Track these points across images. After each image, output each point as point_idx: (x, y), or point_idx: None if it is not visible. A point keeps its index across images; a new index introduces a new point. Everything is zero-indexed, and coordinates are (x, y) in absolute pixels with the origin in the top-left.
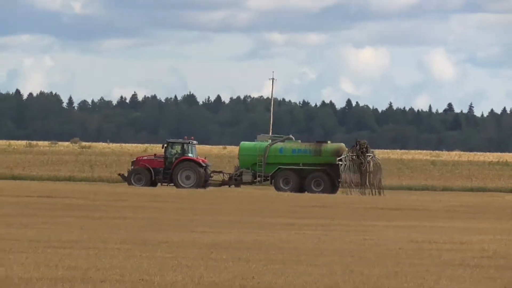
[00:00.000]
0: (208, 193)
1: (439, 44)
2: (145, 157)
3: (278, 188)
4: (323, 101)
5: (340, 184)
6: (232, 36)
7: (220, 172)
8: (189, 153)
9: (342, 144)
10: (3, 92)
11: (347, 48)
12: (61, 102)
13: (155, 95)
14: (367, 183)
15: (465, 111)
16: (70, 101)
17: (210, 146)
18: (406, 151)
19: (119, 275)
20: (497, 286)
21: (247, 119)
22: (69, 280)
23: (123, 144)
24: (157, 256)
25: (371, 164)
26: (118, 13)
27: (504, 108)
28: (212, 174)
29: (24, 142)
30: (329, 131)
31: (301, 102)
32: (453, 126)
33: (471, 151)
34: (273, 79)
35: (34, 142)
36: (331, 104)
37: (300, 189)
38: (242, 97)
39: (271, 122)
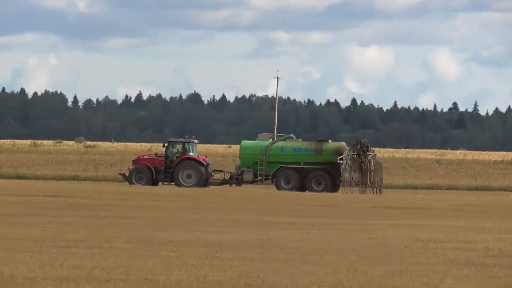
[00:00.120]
0: (211, 192)
1: (444, 43)
2: (146, 156)
3: (279, 187)
4: (328, 100)
5: (341, 183)
6: (237, 35)
7: (221, 171)
8: (190, 152)
9: (343, 143)
10: (8, 91)
11: (352, 47)
12: (66, 101)
13: (160, 94)
14: (368, 182)
15: (470, 110)
16: (75, 100)
17: (215, 145)
18: (411, 150)
19: (124, 274)
20: (502, 285)
21: (252, 118)
22: (74, 279)
23: (128, 143)
24: (162, 255)
25: (372, 163)
26: (123, 12)
27: (509, 106)
28: (213, 173)
29: (28, 141)
30: (334, 130)
31: (306, 101)
32: (458, 125)
33: (476, 150)
34: (278, 78)
35: (39, 141)
36: (336, 103)
37: (301, 188)
38: (247, 96)
39: (276, 121)
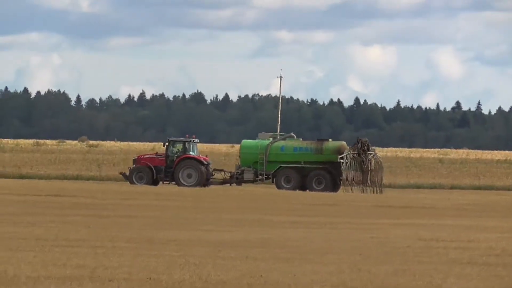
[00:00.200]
0: (212, 192)
1: (447, 42)
2: (147, 156)
3: (279, 187)
4: (331, 99)
5: (341, 182)
6: (240, 34)
7: (221, 170)
8: (190, 151)
9: (343, 142)
10: (11, 90)
11: (355, 46)
12: (69, 100)
13: (163, 93)
14: (369, 181)
15: (473, 109)
16: (78, 99)
17: (218, 144)
18: (414, 149)
19: (127, 273)
20: (504, 284)
21: (255, 117)
22: (77, 279)
23: (131, 143)
24: (164, 254)
25: (372, 162)
26: (126, 11)
27: None
28: (213, 173)
29: (31, 141)
30: (337, 129)
31: (309, 100)
32: (461, 124)
33: (479, 149)
34: (281, 77)
35: (42, 141)
36: (339, 102)
37: (302, 187)
38: (250, 95)
39: (279, 120)
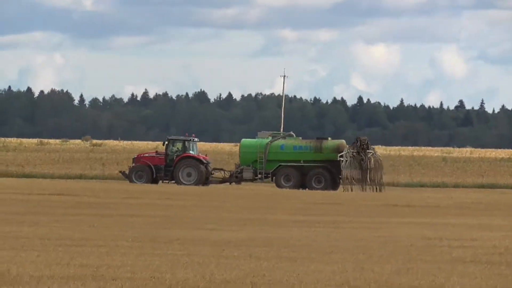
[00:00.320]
0: (216, 191)
1: (451, 41)
2: (146, 155)
3: (279, 185)
4: (335, 98)
5: (341, 181)
6: (244, 33)
7: (221, 169)
8: (190, 150)
9: (343, 141)
10: (14, 90)
11: (358, 44)
12: (72, 99)
13: (166, 92)
14: (368, 180)
15: (477, 107)
16: (81, 98)
17: (222, 143)
18: (418, 147)
19: (130, 272)
20: (508, 282)
21: (259, 116)
22: (80, 278)
23: (135, 142)
24: (168, 253)
25: (372, 160)
26: (129, 10)
27: None
28: (213, 172)
29: (35, 140)
30: (340, 128)
31: (312, 99)
32: (464, 123)
33: (482, 147)
34: (284, 76)
35: (45, 140)
36: (343, 101)
37: (301, 186)
38: (253, 94)
39: (283, 119)
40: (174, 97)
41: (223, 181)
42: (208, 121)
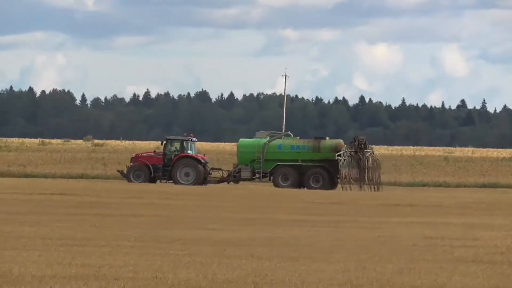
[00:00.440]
0: (217, 191)
1: (452, 40)
2: (144, 154)
3: (277, 185)
4: (336, 98)
5: (339, 180)
6: (245, 33)
7: (219, 169)
8: (188, 150)
9: (341, 140)
10: (16, 89)
11: (360, 44)
12: (74, 99)
13: (168, 92)
14: (366, 179)
15: (478, 107)
16: (83, 98)
17: (223, 143)
18: (419, 147)
19: (132, 272)
20: (510, 282)
21: (260, 116)
22: (82, 278)
23: (136, 142)
24: (170, 253)
25: (370, 160)
26: (131, 10)
27: None
28: (211, 171)
29: (37, 140)
30: (342, 127)
31: (314, 99)
32: (466, 122)
33: (484, 147)
34: (286, 75)
35: (47, 140)
36: (344, 100)
37: (299, 185)
38: (255, 94)
39: (284, 119)
40: (175, 97)
41: (221, 180)
42: (210, 121)
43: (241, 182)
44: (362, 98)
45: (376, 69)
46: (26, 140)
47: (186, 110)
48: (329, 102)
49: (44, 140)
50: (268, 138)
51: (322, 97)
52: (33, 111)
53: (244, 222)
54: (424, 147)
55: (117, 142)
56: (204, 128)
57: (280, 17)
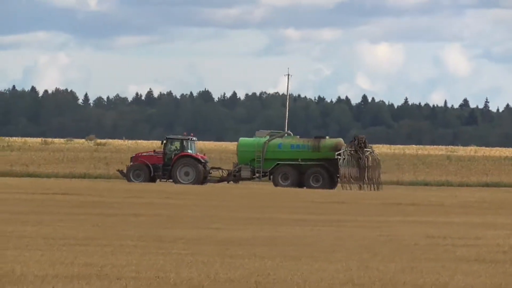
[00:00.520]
0: (218, 190)
1: (455, 39)
2: (144, 153)
3: (276, 184)
4: (339, 97)
5: (339, 179)
6: (248, 32)
7: (218, 168)
8: (188, 149)
9: (340, 139)
10: (19, 89)
11: (362, 44)
12: (76, 99)
13: (170, 91)
14: (366, 178)
15: (481, 106)
16: (86, 98)
17: (226, 142)
18: (422, 146)
19: (135, 272)
20: None
21: (263, 115)
22: (84, 277)
23: (139, 141)
24: (172, 252)
25: (370, 159)
26: (133, 10)
27: None
28: (211, 171)
29: (39, 139)
30: (344, 127)
31: (316, 98)
32: (468, 122)
33: (486, 146)
34: (288, 75)
35: (50, 139)
36: (347, 100)
37: (299, 184)
38: (257, 93)
39: (287, 118)
40: (178, 97)
41: (221, 180)
42: (212, 121)
43: (241, 182)
44: (364, 98)
45: (378, 69)
46: (29, 139)
47: (189, 109)
48: (331, 101)
49: (47, 139)
50: (268, 137)
51: (324, 97)
52: (35, 110)
53: (246, 222)
54: (427, 146)
55: (120, 141)
56: (207, 128)
57: (282, 17)
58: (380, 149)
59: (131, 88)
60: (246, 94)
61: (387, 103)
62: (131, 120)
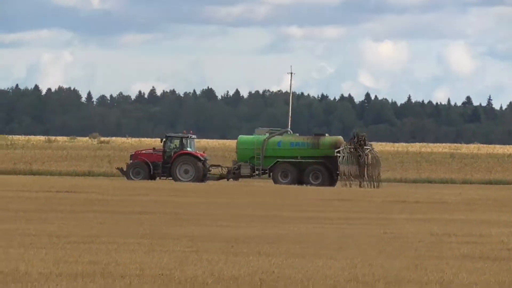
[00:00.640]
0: (222, 188)
1: (458, 37)
2: (144, 151)
3: (276, 181)
4: (342, 95)
5: (338, 177)
6: (251, 30)
7: (218, 166)
8: (187, 147)
9: (340, 137)
10: (22, 87)
11: (366, 41)
12: (79, 97)
13: (173, 89)
14: (366, 176)
15: (484, 104)
16: (89, 96)
17: (229, 140)
18: (425, 144)
19: (139, 269)
20: None
21: (266, 113)
22: (89, 275)
23: (142, 139)
24: (177, 250)
25: (369, 156)
26: (137, 8)
27: None
28: (210, 168)
29: (43, 138)
30: (348, 124)
31: (319, 96)
32: (472, 119)
33: (490, 143)
34: (291, 73)
35: (53, 138)
36: (350, 97)
37: (299, 182)
38: (261, 91)
39: (290, 116)
40: (181, 94)
41: (220, 177)
42: (216, 118)
43: (240, 179)
44: (368, 95)
45: (381, 66)
46: (32, 137)
47: (192, 107)
48: (335, 99)
49: (50, 137)
50: (267, 135)
51: (327, 94)
52: (39, 109)
53: (251, 219)
54: (430, 143)
55: (123, 139)
56: (210, 126)
57: (285, 15)
58: (383, 147)
59: (134, 86)
60: (250, 92)
61: (390, 101)
62: (134, 118)
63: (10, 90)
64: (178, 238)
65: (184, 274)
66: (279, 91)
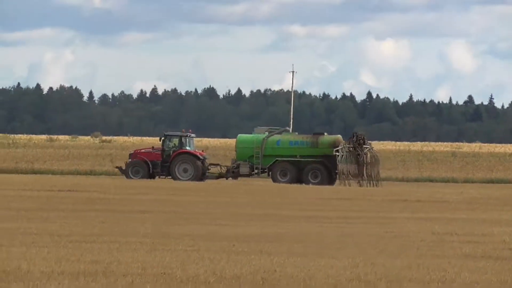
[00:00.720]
0: (223, 186)
1: (460, 35)
2: (143, 150)
3: (275, 180)
4: (344, 94)
5: (337, 176)
6: (253, 29)
7: (217, 164)
8: (186, 146)
9: (339, 136)
10: (24, 86)
11: (367, 40)
12: (81, 96)
13: (175, 88)
14: (365, 175)
15: (486, 102)
16: (91, 95)
17: (231, 139)
18: (427, 143)
19: (141, 268)
20: None
21: (268, 112)
22: (90, 274)
23: (144, 138)
24: (179, 249)
25: (368, 155)
26: (138, 7)
27: None
28: (209, 167)
29: (44, 137)
30: (349, 123)
31: (321, 95)
32: (473, 118)
33: (491, 142)
34: (293, 71)
35: (55, 136)
36: (352, 96)
37: (298, 181)
38: (262, 90)
39: (292, 115)
40: (183, 93)
41: (219, 176)
42: (217, 117)
43: (239, 178)
44: (369, 94)
45: (383, 65)
46: (34, 136)
47: (194, 106)
48: (336, 98)
49: (52, 136)
50: (266, 133)
51: (329, 93)
52: (40, 107)
53: (252, 218)
54: (432, 142)
55: (125, 138)
56: (212, 125)
57: (287, 13)
58: (385, 145)
59: (136, 85)
60: (251, 91)
61: (392, 99)
62: (136, 117)
63: (12, 89)
64: (180, 237)
65: (186, 273)
66: (280, 90)
